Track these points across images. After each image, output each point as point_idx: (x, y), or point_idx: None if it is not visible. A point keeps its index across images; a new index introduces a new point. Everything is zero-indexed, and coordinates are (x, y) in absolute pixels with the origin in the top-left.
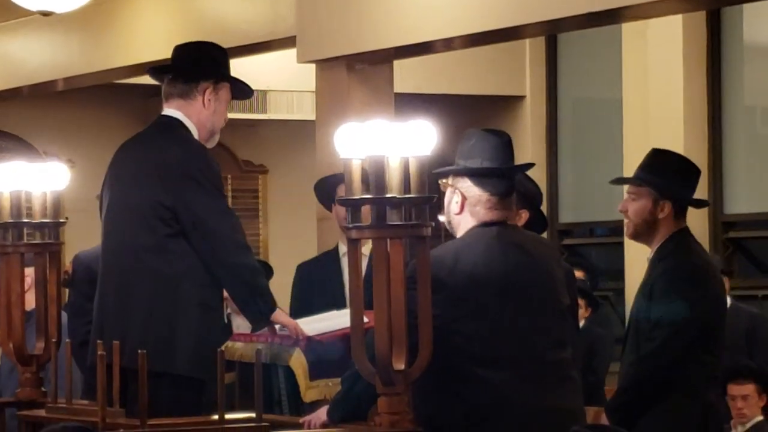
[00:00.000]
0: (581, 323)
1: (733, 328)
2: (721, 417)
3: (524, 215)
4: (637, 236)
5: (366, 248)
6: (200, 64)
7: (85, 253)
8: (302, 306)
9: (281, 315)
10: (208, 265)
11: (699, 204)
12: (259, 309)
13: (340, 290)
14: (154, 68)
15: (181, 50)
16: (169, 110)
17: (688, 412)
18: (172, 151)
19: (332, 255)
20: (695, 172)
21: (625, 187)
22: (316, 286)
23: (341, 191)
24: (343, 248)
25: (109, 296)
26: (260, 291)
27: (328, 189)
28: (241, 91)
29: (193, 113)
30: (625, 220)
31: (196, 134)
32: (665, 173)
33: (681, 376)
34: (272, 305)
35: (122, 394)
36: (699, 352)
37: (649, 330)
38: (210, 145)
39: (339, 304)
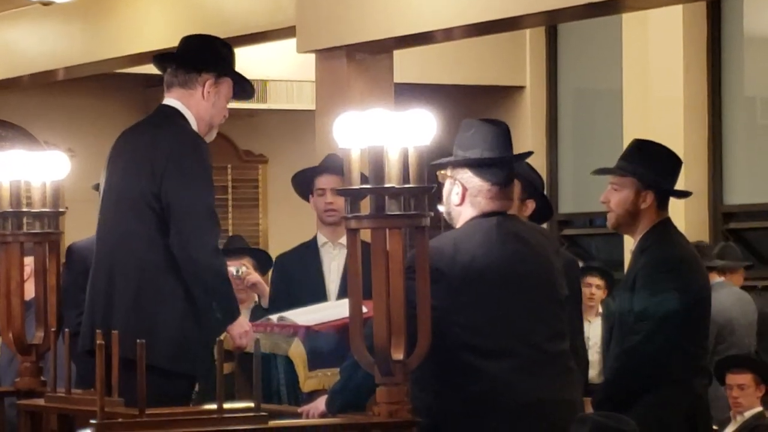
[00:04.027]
0: (599, 307)
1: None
2: (708, 408)
3: (530, 205)
4: (619, 227)
5: (345, 238)
6: (204, 55)
7: (79, 244)
8: (282, 297)
9: (236, 328)
10: (174, 254)
11: (681, 194)
12: (215, 315)
13: (319, 280)
14: (158, 56)
15: (188, 41)
16: (169, 100)
17: (675, 403)
18: (164, 140)
19: (311, 246)
20: (677, 162)
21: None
22: (296, 277)
23: (320, 183)
24: (322, 239)
25: (99, 284)
26: (218, 296)
27: (306, 181)
28: (243, 90)
29: (192, 104)
30: (608, 212)
31: (194, 125)
32: (647, 163)
33: (666, 367)
34: (230, 316)
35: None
36: (684, 343)
37: (632, 322)
38: (208, 139)
39: (318, 294)
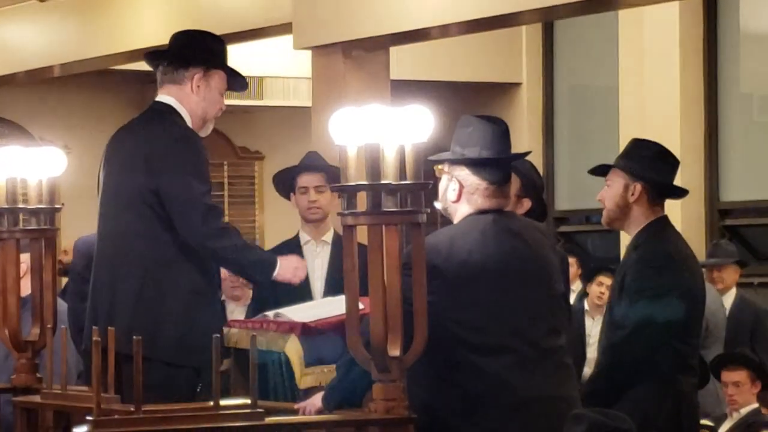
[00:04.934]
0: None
1: (738, 323)
2: (695, 407)
3: (526, 204)
4: (611, 222)
5: (328, 236)
6: (191, 49)
7: (84, 239)
8: (265, 294)
9: (283, 274)
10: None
11: (677, 194)
12: (255, 279)
13: (305, 279)
14: (148, 54)
15: (176, 37)
16: (162, 96)
17: (660, 400)
18: (159, 137)
19: (293, 243)
20: (671, 159)
21: None
22: None
23: (302, 181)
24: (305, 237)
25: (101, 281)
26: (247, 265)
27: (287, 179)
28: (237, 83)
29: (183, 99)
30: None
31: (188, 120)
32: (638, 158)
33: (652, 364)
34: (266, 272)
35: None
36: (671, 341)
37: (619, 318)
38: (203, 133)
39: (303, 292)
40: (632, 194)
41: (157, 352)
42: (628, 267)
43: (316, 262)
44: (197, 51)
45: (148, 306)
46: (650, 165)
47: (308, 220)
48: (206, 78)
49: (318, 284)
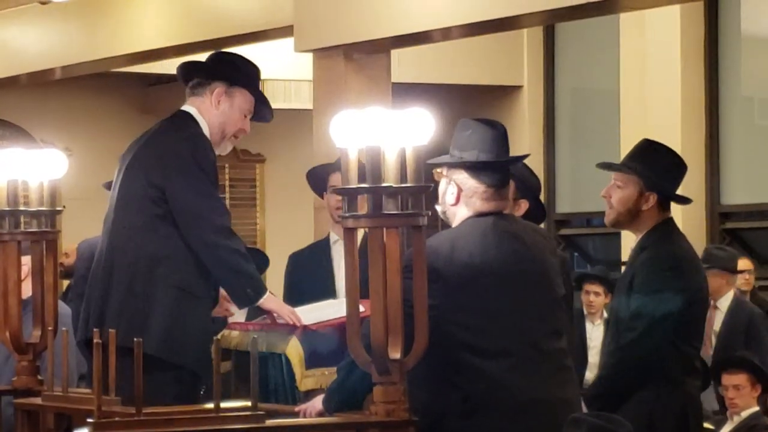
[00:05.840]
0: (604, 311)
1: (734, 325)
2: (700, 409)
3: (523, 205)
4: (617, 224)
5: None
6: (217, 64)
7: (87, 242)
8: (294, 295)
9: (271, 301)
10: (191, 246)
11: (682, 201)
12: (244, 292)
13: (331, 279)
14: (180, 68)
15: (211, 55)
16: (185, 106)
17: (667, 402)
18: (169, 137)
19: (323, 244)
20: (683, 167)
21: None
22: (308, 275)
23: (333, 180)
24: (334, 237)
25: (98, 276)
26: (244, 274)
27: (321, 178)
28: (263, 112)
29: (204, 111)
30: (606, 207)
31: (207, 131)
32: (654, 165)
33: (660, 366)
34: (259, 290)
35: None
36: (678, 343)
37: (628, 320)
38: (221, 150)
39: (330, 293)
40: (646, 202)
41: (143, 344)
42: (637, 268)
43: (342, 263)
44: (223, 67)
45: (136, 298)
46: (666, 175)
47: (335, 220)
48: (229, 95)
49: (342, 284)
